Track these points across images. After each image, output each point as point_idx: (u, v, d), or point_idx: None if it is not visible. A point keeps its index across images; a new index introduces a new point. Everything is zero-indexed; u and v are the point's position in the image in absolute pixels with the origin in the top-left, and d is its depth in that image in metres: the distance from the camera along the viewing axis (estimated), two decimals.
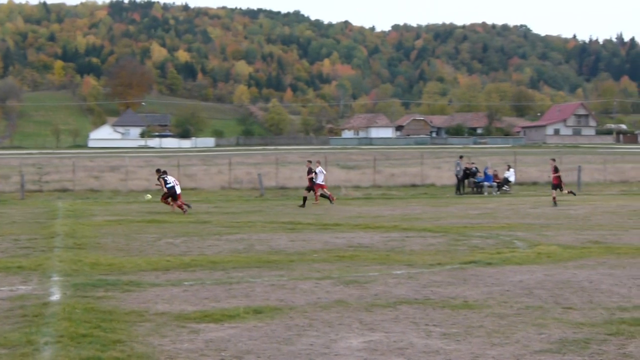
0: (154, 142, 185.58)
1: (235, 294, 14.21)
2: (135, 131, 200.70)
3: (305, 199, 39.75)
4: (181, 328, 11.40)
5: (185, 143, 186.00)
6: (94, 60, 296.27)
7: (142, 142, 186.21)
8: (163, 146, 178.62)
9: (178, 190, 35.11)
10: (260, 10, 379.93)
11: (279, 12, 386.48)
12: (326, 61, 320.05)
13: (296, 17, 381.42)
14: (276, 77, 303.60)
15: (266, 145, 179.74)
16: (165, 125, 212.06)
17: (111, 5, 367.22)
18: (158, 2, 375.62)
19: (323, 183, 42.65)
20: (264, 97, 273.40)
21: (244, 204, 41.85)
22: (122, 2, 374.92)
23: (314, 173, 42.04)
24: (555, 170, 40.52)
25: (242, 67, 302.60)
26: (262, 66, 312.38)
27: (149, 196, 37.79)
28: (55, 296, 13.72)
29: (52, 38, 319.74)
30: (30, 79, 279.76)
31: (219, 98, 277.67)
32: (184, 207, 34.48)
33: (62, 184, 55.28)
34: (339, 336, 10.91)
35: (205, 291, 14.50)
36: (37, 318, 11.79)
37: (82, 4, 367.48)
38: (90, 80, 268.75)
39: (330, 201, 41.17)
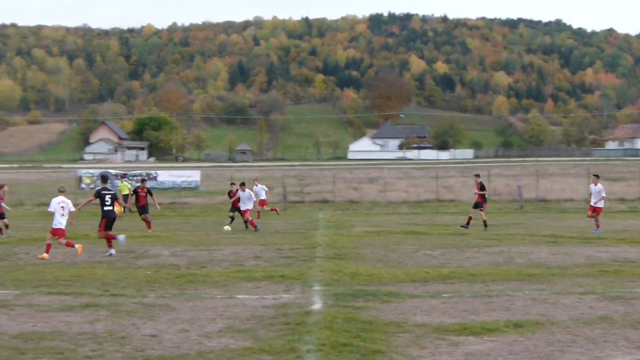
0: (412, 154, 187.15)
1: (495, 307, 14.04)
2: (394, 143, 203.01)
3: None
4: (440, 340, 11.38)
5: (444, 154, 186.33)
6: (354, 73, 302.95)
7: (400, 154, 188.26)
8: (421, 158, 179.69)
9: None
10: (520, 20, 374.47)
11: (539, 21, 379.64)
12: (589, 70, 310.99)
13: (557, 26, 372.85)
14: (536, 87, 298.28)
15: (526, 156, 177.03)
16: (424, 137, 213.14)
17: (371, 18, 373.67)
18: (417, 14, 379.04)
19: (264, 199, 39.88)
20: (524, 107, 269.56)
21: (503, 216, 41.28)
22: (382, 15, 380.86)
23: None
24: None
25: (501, 78, 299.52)
26: (521, 76, 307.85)
27: (228, 228, 33.28)
28: (317, 305, 14.08)
29: (313, 52, 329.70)
30: (292, 92, 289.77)
31: (477, 109, 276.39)
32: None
33: (323, 195, 56.54)
34: (603, 354, 10.54)
35: (464, 304, 14.41)
36: (300, 326, 12.14)
37: (342, 18, 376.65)
38: (350, 93, 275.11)
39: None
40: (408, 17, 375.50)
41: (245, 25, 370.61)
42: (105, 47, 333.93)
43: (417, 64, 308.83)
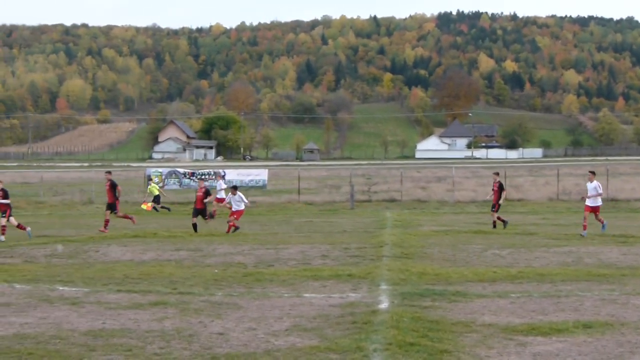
0: (480, 153, 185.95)
1: (564, 307, 13.88)
2: (462, 142, 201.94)
3: None
4: (508, 340, 11.29)
5: (512, 154, 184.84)
6: (422, 72, 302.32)
7: (468, 153, 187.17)
8: (489, 157, 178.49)
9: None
10: (591, 18, 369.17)
11: (610, 19, 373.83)
12: None
13: (629, 24, 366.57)
14: (607, 85, 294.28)
15: (596, 155, 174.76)
16: (492, 136, 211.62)
17: (439, 17, 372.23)
18: (486, 12, 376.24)
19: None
20: (594, 106, 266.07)
21: (573, 216, 40.74)
22: (450, 13, 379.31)
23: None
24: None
25: (572, 76, 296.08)
26: (592, 75, 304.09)
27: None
28: (384, 304, 14.07)
29: (381, 51, 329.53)
30: (360, 91, 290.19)
31: (547, 108, 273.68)
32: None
33: (390, 194, 56.28)
34: None
35: (532, 304, 14.28)
36: (367, 325, 12.14)
37: (411, 17, 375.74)
38: (418, 91, 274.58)
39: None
40: (477, 15, 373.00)
41: (314, 24, 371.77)
42: (174, 47, 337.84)
43: (485, 63, 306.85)
